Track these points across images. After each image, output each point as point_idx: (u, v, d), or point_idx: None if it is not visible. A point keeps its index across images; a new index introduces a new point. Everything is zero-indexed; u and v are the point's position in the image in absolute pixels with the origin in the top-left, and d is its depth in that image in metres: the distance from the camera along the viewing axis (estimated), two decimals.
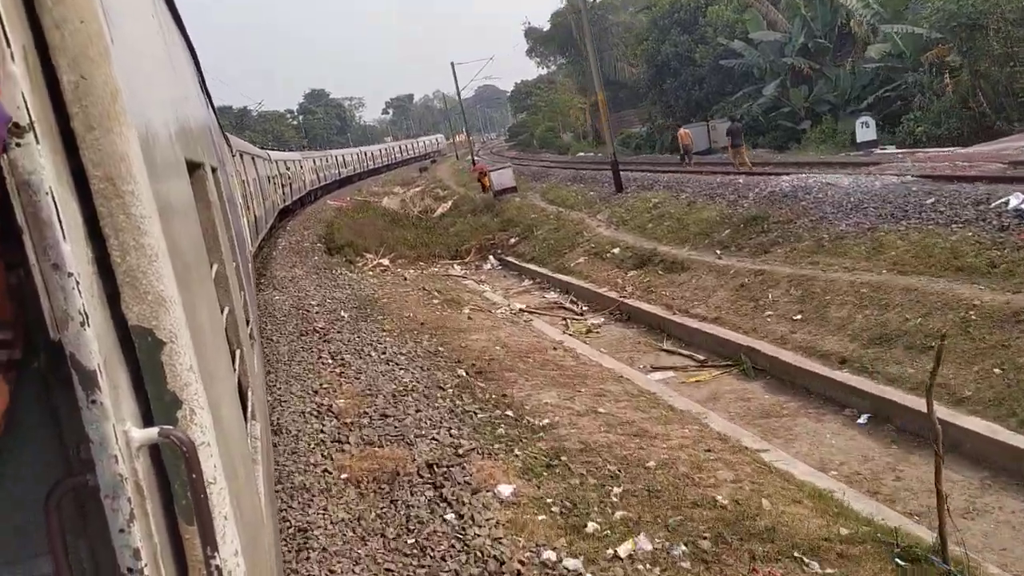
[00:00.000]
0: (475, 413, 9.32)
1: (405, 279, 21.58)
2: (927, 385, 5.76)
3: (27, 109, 1.22)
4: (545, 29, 72.32)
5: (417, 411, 9.23)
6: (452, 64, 60.59)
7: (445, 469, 7.31)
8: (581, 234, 22.87)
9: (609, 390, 10.66)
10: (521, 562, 5.78)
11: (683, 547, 6.01)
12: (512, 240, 26.54)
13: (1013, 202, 12.23)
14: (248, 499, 2.33)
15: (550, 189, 32.97)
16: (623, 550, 5.98)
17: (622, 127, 53.59)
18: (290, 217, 37.86)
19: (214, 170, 4.53)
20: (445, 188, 49.19)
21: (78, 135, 1.37)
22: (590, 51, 27.35)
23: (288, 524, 6.61)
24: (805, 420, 9.97)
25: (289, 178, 36.11)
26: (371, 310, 16.18)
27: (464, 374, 11.27)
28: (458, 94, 63.02)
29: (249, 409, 3.55)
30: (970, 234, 12.16)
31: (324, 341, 13.28)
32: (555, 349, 13.48)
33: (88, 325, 1.27)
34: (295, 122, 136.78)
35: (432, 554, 5.99)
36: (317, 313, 15.90)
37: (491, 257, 26.16)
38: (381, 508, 6.71)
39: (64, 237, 1.25)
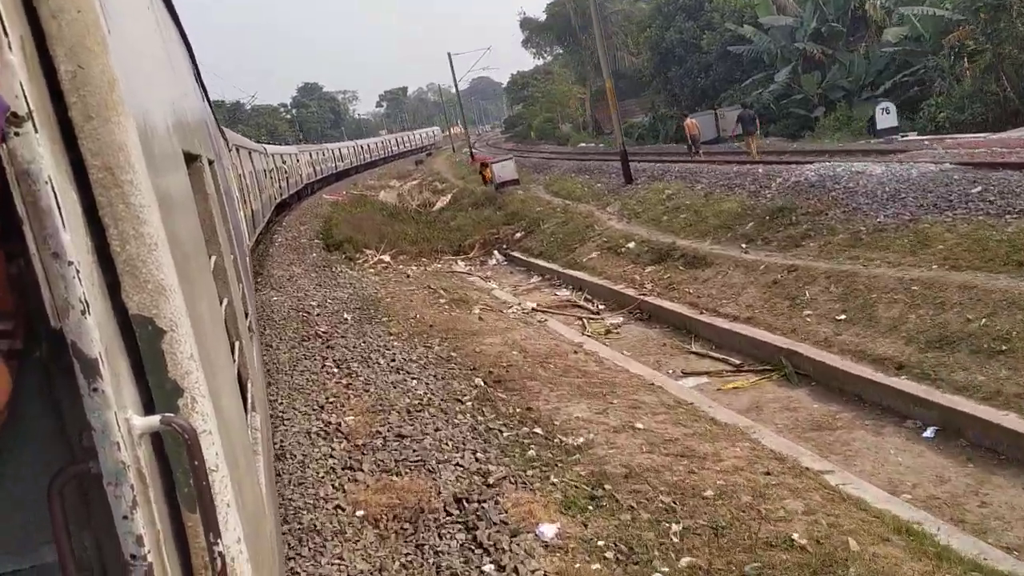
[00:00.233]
0: (500, 431, 8.37)
1: (408, 276, 20.60)
2: None
3: (25, 98, 1.23)
4: (541, 19, 71.32)
5: (436, 430, 8.27)
6: (449, 55, 59.49)
7: (476, 504, 6.34)
8: (591, 228, 21.89)
9: (643, 401, 9.71)
10: None
11: None
12: (517, 234, 25.56)
13: None
14: (249, 488, 2.31)
15: (554, 181, 31.96)
16: None
17: (624, 117, 52.38)
18: (287, 212, 36.91)
19: (211, 163, 4.48)
20: (443, 181, 48.10)
21: (76, 125, 1.38)
22: (598, 36, 26.29)
23: None
24: (863, 433, 9.03)
25: (286, 172, 35.41)
26: (375, 311, 15.21)
27: (482, 383, 10.32)
28: (455, 85, 61.96)
29: (249, 401, 3.53)
30: None
31: (327, 347, 12.30)
32: (576, 353, 12.52)
33: (89, 313, 1.27)
34: (288, 116, 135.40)
35: None
36: (318, 315, 14.91)
37: (496, 252, 25.20)
38: (406, 555, 5.75)
39: (64, 226, 1.26)
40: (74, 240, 1.28)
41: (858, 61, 30.10)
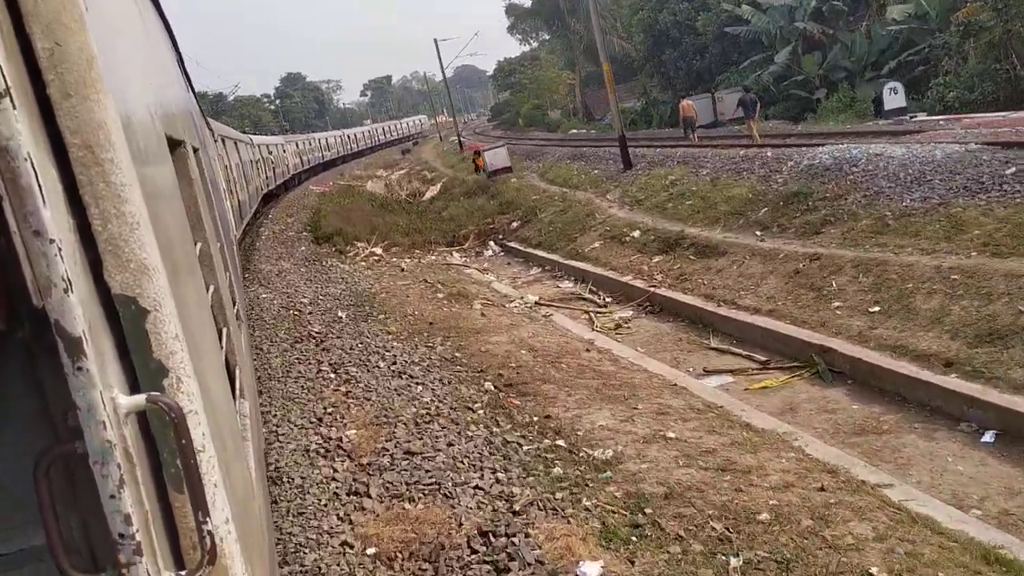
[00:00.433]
0: (519, 445, 7.56)
1: (402, 270, 19.75)
2: None
3: (2, 75, 1.21)
4: (527, 5, 70.20)
5: (449, 444, 7.45)
6: (435, 41, 58.32)
7: (505, 539, 5.52)
8: (592, 216, 21.05)
9: (670, 405, 8.91)
10: None
11: None
12: (514, 224, 24.69)
13: None
14: (238, 471, 2.28)
15: (548, 168, 31.07)
16: None
17: None
18: (274, 203, 35.98)
19: (196, 150, 4.41)
20: (432, 170, 47.11)
21: (55, 102, 1.36)
22: (594, 17, 25.37)
23: None
24: (913, 438, 8.27)
25: (272, 162, 34.63)
26: (370, 308, 14.37)
27: (492, 388, 9.53)
28: (442, 71, 60.79)
29: (237, 387, 3.52)
30: None
31: (322, 349, 11.45)
32: (588, 351, 11.72)
33: (72, 291, 1.26)
34: (272, 106, 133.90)
35: None
36: (311, 314, 14.05)
37: (492, 243, 24.33)
38: None
39: (45, 203, 1.24)
40: (55, 218, 1.26)
41: (860, 41, 29.27)
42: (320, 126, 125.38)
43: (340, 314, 13.83)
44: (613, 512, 6.10)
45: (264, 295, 15.96)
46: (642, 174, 22.96)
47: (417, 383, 9.60)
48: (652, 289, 14.79)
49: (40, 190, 1.23)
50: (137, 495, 1.35)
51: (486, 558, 5.32)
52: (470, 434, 7.83)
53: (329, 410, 8.67)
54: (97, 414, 1.29)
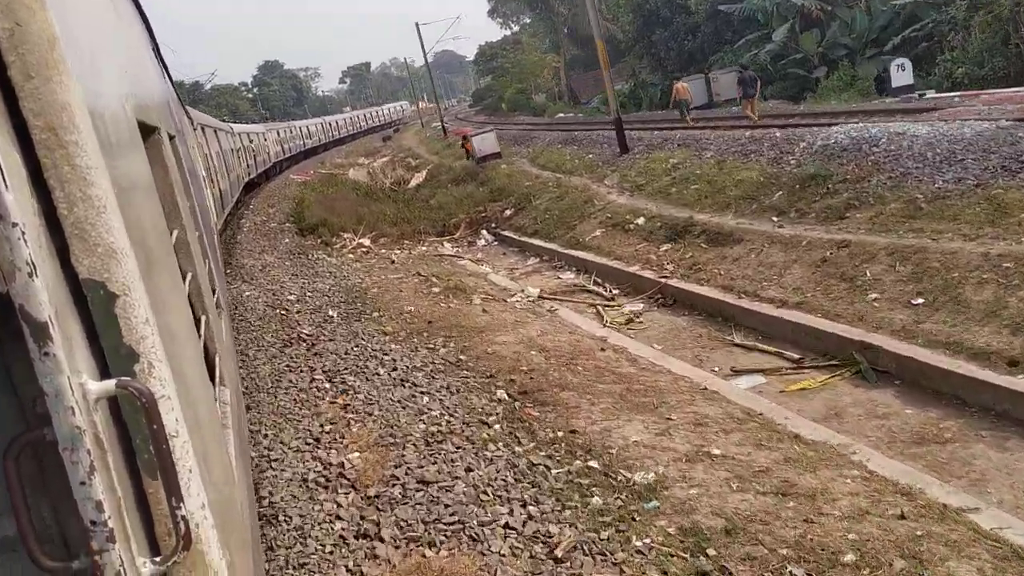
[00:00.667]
0: (546, 468, 6.64)
1: (392, 262, 18.75)
2: None
3: None
4: None
5: (468, 470, 6.51)
6: (417, 25, 56.93)
7: None
8: (590, 202, 20.09)
9: (706, 414, 8.01)
10: None
11: None
12: (507, 212, 23.72)
13: None
14: (217, 457, 2.25)
15: (539, 153, 30.07)
16: None
17: (600, 86, 50.51)
18: (255, 192, 34.84)
19: (172, 137, 4.38)
20: (416, 157, 46.01)
21: (16, 84, 1.34)
22: None
23: None
24: (982, 448, 7.42)
25: (253, 151, 33.51)
26: (363, 305, 13.38)
27: (506, 396, 8.60)
28: (424, 55, 59.46)
29: (217, 374, 3.44)
30: None
31: (314, 354, 10.45)
32: (603, 350, 10.80)
33: (36, 276, 1.24)
34: (250, 95, 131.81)
35: None
36: (299, 313, 13.03)
37: (484, 232, 23.36)
38: None
39: (7, 187, 1.22)
40: (19, 201, 1.24)
41: (860, 17, 28.36)
42: (299, 114, 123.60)
43: (331, 313, 12.83)
44: (671, 555, 5.19)
45: (248, 292, 14.91)
46: (640, 158, 22.02)
47: (422, 392, 8.65)
48: (663, 280, 13.88)
49: (2, 173, 1.22)
50: (109, 481, 1.33)
51: None
52: (489, 455, 6.89)
53: (327, 428, 7.70)
54: (65, 400, 1.27)
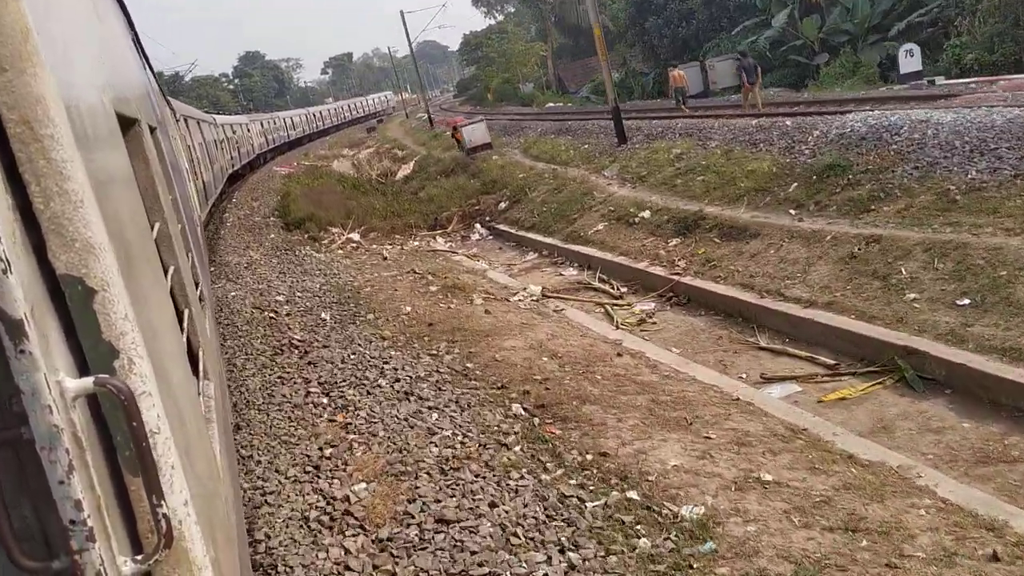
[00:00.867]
0: (580, 501, 5.85)
1: (384, 258, 17.90)
2: None
3: None
4: None
5: (492, 505, 5.71)
6: (402, 13, 55.81)
7: None
8: (590, 195, 19.28)
9: (746, 431, 7.25)
10: None
11: None
12: (502, 205, 22.86)
13: None
14: (200, 452, 2.21)
15: (532, 144, 29.19)
16: None
17: (590, 75, 49.67)
18: (239, 184, 33.88)
19: (153, 129, 4.26)
20: (403, 148, 45.01)
21: None
22: None
23: None
24: None
25: (237, 142, 32.65)
26: (356, 306, 12.55)
27: (522, 411, 7.82)
28: (409, 44, 58.30)
29: (200, 368, 3.40)
30: None
31: (308, 363, 9.61)
32: (620, 355, 10.03)
33: (11, 272, 1.20)
34: (231, 86, 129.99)
35: None
36: (289, 315, 12.16)
37: (478, 226, 22.52)
38: None
39: None
40: None
41: (862, 3, 27.59)
42: (281, 105, 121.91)
43: (323, 315, 11.98)
44: None
45: (234, 292, 14.02)
46: (640, 148, 21.23)
47: (430, 407, 7.84)
48: (675, 277, 13.11)
49: None
50: (88, 480, 1.31)
51: None
52: (513, 484, 6.10)
53: (327, 452, 6.86)
54: (42, 398, 1.24)
